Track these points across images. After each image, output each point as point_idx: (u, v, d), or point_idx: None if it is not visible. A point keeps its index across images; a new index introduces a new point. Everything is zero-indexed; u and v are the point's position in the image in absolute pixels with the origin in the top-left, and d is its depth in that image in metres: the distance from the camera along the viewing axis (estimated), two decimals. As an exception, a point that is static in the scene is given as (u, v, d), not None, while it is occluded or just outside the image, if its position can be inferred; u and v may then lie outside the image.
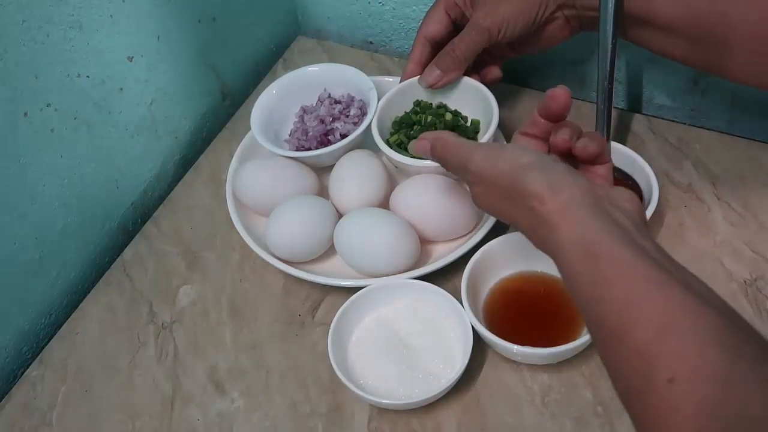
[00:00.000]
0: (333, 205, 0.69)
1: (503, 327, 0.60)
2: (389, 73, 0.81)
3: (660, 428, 0.37)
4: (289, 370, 0.64)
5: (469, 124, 0.72)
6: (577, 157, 0.51)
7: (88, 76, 0.68)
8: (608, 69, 0.61)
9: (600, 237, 0.42)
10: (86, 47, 0.67)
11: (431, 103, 0.72)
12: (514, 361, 0.61)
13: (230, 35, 0.85)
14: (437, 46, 0.70)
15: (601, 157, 0.51)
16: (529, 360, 0.60)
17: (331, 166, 0.71)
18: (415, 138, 0.67)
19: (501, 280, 0.64)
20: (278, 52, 0.92)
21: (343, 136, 0.72)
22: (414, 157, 0.66)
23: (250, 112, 0.74)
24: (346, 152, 0.71)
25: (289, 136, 0.76)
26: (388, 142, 0.70)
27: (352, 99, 0.75)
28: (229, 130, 0.84)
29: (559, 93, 0.51)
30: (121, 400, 0.64)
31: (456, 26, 0.69)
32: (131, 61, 0.73)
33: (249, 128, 0.74)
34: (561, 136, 0.51)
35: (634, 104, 0.82)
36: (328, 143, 0.72)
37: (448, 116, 0.70)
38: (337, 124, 0.73)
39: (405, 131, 0.70)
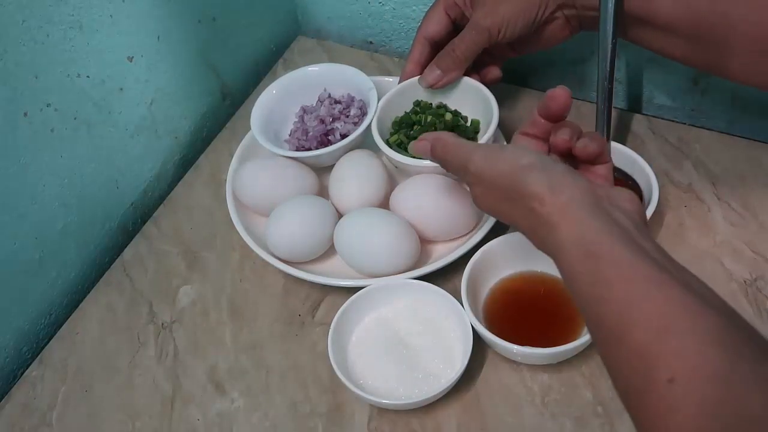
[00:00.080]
0: (333, 205, 0.69)
1: (503, 327, 0.60)
2: (389, 73, 0.80)
3: (660, 428, 0.37)
4: (289, 370, 0.64)
5: (469, 124, 0.72)
6: (577, 157, 0.51)
7: (88, 76, 0.68)
8: (608, 69, 0.61)
9: (600, 237, 0.42)
10: (86, 47, 0.67)
11: (431, 103, 0.72)
12: (514, 361, 0.61)
13: (230, 35, 0.85)
14: (437, 47, 0.70)
15: (601, 157, 0.51)
16: (529, 360, 0.60)
17: (331, 166, 0.71)
18: (415, 138, 0.67)
19: (501, 280, 0.64)
20: (278, 52, 0.92)
21: (343, 136, 0.72)
22: (414, 157, 0.66)
23: (250, 112, 0.74)
24: (346, 152, 0.71)
25: (289, 136, 0.76)
26: (388, 142, 0.70)
27: (352, 99, 0.75)
28: (229, 130, 0.84)
29: (559, 93, 0.51)
30: (121, 400, 0.64)
31: (456, 26, 0.69)
32: (131, 61, 0.73)
33: (249, 128, 0.74)
34: (561, 136, 0.51)
35: (634, 104, 0.82)
36: (328, 143, 0.72)
37: (448, 116, 0.70)
38: (337, 124, 0.73)
39: (405, 131, 0.70)
